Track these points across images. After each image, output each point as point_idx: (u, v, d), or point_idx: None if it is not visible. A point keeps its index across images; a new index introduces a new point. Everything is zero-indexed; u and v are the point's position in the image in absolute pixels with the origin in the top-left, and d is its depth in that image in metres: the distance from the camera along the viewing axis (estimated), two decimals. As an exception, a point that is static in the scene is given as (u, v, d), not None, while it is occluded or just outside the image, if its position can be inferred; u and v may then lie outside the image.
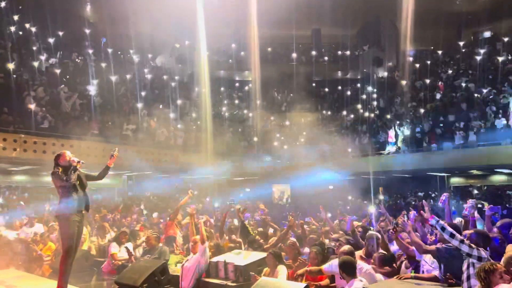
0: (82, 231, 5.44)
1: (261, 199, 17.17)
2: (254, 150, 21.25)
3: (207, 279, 5.52)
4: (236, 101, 26.46)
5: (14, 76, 16.40)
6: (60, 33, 21.13)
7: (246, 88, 27.77)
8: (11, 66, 15.70)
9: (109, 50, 22.70)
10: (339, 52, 29.98)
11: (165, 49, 27.79)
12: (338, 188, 19.50)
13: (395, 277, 4.50)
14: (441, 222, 4.05)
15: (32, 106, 14.64)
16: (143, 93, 20.49)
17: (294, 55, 28.51)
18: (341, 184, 19.40)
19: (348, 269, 4.13)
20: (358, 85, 26.28)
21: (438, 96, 20.52)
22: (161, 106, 20.76)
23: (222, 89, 26.68)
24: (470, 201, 5.35)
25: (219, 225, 8.11)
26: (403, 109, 20.96)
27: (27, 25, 19.79)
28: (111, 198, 17.90)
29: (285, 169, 20.32)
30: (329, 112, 25.58)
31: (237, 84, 29.11)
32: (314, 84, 29.09)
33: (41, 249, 8.12)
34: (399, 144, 18.52)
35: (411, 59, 24.61)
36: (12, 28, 18.56)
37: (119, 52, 24.62)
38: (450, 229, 3.91)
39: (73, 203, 5.17)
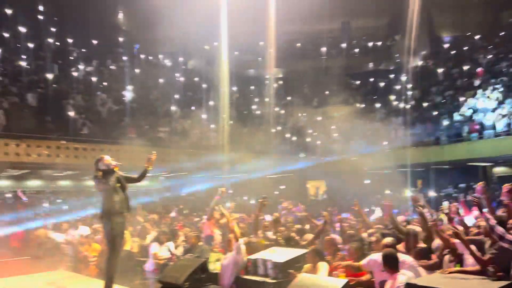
0: (124, 232, 5.65)
1: (296, 196, 17.12)
2: (288, 147, 21.19)
3: (246, 276, 5.56)
4: (267, 99, 26.45)
5: (54, 85, 17.22)
6: (95, 42, 21.91)
7: (276, 85, 27.70)
8: (50, 76, 16.48)
9: (142, 56, 23.33)
10: (370, 44, 29.37)
11: (195, 51, 28.18)
12: (375, 182, 19.14)
13: (438, 271, 4.38)
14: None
15: (72, 114, 15.31)
16: (176, 96, 20.89)
17: (324, 49, 28.19)
18: (378, 178, 19.02)
19: (391, 262, 4.05)
20: (392, 75, 25.64)
21: (476, 82, 19.71)
22: (193, 108, 21.10)
23: (252, 87, 26.77)
24: (506, 186, 5.11)
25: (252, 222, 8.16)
26: (440, 98, 20.28)
27: (64, 36, 20.67)
28: (149, 199, 18.39)
29: (319, 165, 20.13)
30: (362, 105, 25.05)
31: (267, 82, 29.09)
32: (346, 77, 28.64)
33: (86, 250, 8.47)
34: (438, 134, 17.96)
35: (446, 46, 23.78)
36: (51, 40, 19.44)
37: (150, 57, 25.24)
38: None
39: (115, 205, 5.37)
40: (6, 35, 18.90)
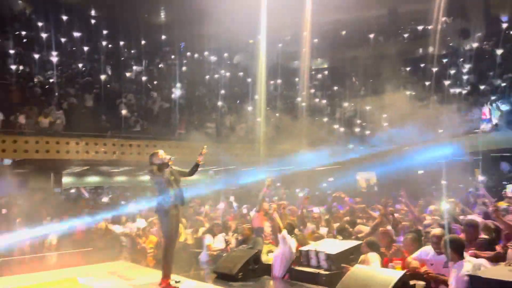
0: (179, 224, 5.86)
1: (345, 188, 16.83)
2: (336, 139, 20.86)
3: (298, 268, 5.58)
4: (312, 90, 26.13)
5: (108, 86, 18.08)
6: (143, 42, 22.70)
7: (320, 76, 27.31)
8: (104, 77, 17.33)
9: (188, 53, 23.88)
10: (420, 28, 28.07)
11: (239, 46, 28.36)
12: (429, 173, 18.38)
13: (503, 263, 4.15)
14: None
15: (125, 112, 16.01)
16: (222, 91, 21.19)
17: (371, 36, 27.35)
18: (433, 168, 18.25)
19: (458, 248, 3.95)
20: (444, 60, 24.40)
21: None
22: (239, 102, 21.31)
23: (296, 79, 26.54)
24: None
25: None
26: (498, 82, 19.04)
27: (115, 38, 21.60)
28: (200, 192, 18.85)
29: (370, 156, 19.64)
30: (413, 92, 24.05)
31: (312, 72, 28.71)
32: (395, 64, 27.59)
33: (144, 242, 8.87)
34: (496, 121, 16.89)
35: (504, 25, 22.23)
36: (103, 42, 20.41)
37: (196, 55, 25.75)
38: None
39: (169, 198, 5.57)
40: (63, 39, 20.04)
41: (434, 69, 23.77)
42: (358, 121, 22.47)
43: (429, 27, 27.13)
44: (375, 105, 23.65)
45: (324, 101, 24.90)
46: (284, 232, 5.88)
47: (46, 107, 13.86)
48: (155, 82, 20.16)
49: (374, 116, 22.67)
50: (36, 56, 17.27)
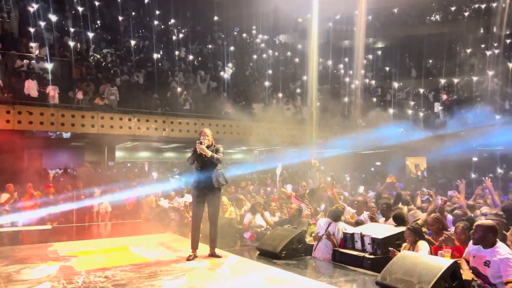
0: (222, 201, 6.02)
1: (392, 173, 16.35)
2: (386, 121, 20.20)
3: (343, 250, 5.55)
4: (362, 71, 25.32)
5: (159, 64, 18.55)
6: (194, 22, 22.95)
7: (371, 56, 26.35)
8: (156, 56, 17.77)
9: (236, 33, 23.87)
10: (482, 6, 26.14)
11: (289, 25, 27.94)
12: (484, 160, 17.46)
13: None
14: None
15: (175, 90, 16.41)
16: (269, 72, 21.08)
17: (427, 15, 25.91)
18: (488, 155, 17.31)
19: (494, 233, 3.87)
20: (509, 41, 22.68)
21: None
22: (287, 82, 21.11)
23: (346, 59, 25.83)
24: None
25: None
26: None
27: (167, 18, 22.00)
28: (244, 172, 19.13)
29: (421, 140, 18.88)
30: (472, 77, 22.59)
31: (364, 53, 27.73)
32: (452, 45, 26.04)
33: (190, 217, 9.16)
34: None
35: None
36: (155, 22, 20.87)
37: (244, 34, 25.68)
38: None
39: (214, 176, 5.70)
40: (119, 18, 20.68)
41: (496, 51, 22.22)
42: (411, 103, 21.57)
43: (493, 4, 25.21)
44: (428, 88, 22.61)
45: (375, 82, 24.07)
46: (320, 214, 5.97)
47: (101, 84, 14.45)
48: (204, 62, 20.40)
49: (428, 98, 21.71)
50: (92, 34, 17.96)
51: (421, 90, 22.62)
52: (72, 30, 17.55)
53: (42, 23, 16.56)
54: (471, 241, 4.19)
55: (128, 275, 4.82)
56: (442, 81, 22.58)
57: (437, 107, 20.95)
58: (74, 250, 6.42)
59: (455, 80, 22.24)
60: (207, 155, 5.60)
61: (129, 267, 5.23)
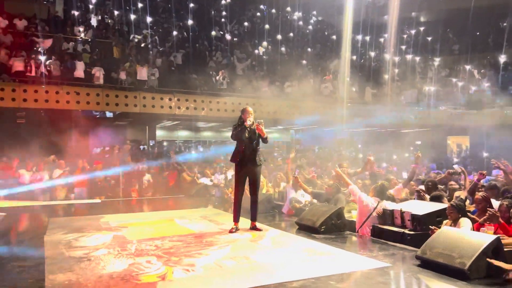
0: (260, 177, 6.21)
1: (433, 152, 16.00)
2: (427, 99, 19.61)
3: (382, 226, 5.61)
4: (403, 47, 24.49)
5: (196, 44, 18.78)
6: (229, 1, 22.88)
7: (413, 31, 25.37)
8: (193, 36, 17.95)
9: (273, 11, 23.62)
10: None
11: (325, 1, 27.27)
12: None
13: None
14: None
15: (213, 70, 16.62)
16: (306, 49, 20.85)
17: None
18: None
19: None
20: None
21: None
22: (323, 60, 20.81)
23: (385, 35, 25.02)
24: None
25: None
26: None
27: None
28: (281, 150, 19.30)
29: (463, 118, 18.25)
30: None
31: (403, 27, 26.76)
32: (496, 19, 24.57)
33: (230, 192, 9.46)
34: None
35: None
36: (191, 4, 21.05)
37: (279, 12, 25.36)
38: None
39: (254, 153, 5.88)
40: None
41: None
42: (453, 80, 20.76)
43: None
44: (472, 64, 21.61)
45: (416, 58, 23.24)
46: (353, 186, 6.08)
47: (142, 64, 14.88)
48: (241, 41, 20.44)
49: (471, 75, 20.80)
50: (134, 16, 18.39)
51: (467, 67, 21.66)
52: (115, 12, 18.01)
53: (85, 6, 17.12)
54: None
55: (175, 244, 5.14)
56: (489, 56, 21.51)
57: (483, 84, 20.06)
58: (124, 222, 6.86)
59: (503, 56, 21.12)
60: (263, 135, 5.85)
61: (176, 237, 5.56)
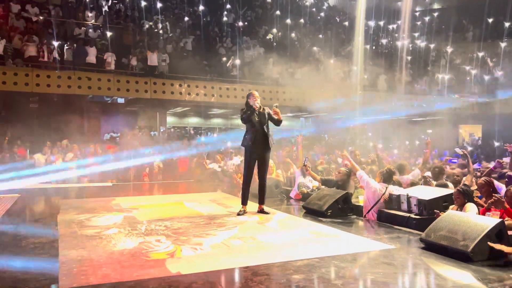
0: (269, 161, 6.27)
1: (445, 141, 15.87)
2: (439, 87, 19.37)
3: (388, 210, 5.65)
4: (416, 34, 24.14)
5: (208, 30, 18.74)
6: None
7: (427, 18, 24.96)
8: (204, 22, 17.84)
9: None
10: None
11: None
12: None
13: None
14: None
15: (223, 57, 16.62)
16: (318, 36, 20.68)
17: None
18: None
19: None
20: None
21: None
22: (335, 47, 20.64)
23: (399, 22, 24.66)
24: None
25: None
26: None
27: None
28: (290, 137, 19.31)
29: (476, 107, 18.02)
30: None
31: (417, 14, 26.37)
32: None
33: (239, 178, 9.57)
34: None
35: None
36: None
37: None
38: None
39: (262, 138, 5.93)
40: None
41: None
42: (466, 68, 20.45)
43: None
44: (486, 51, 21.23)
45: (428, 45, 22.91)
46: (361, 172, 6.14)
47: (153, 50, 14.95)
48: (251, 27, 20.33)
49: (484, 63, 20.45)
50: (144, 2, 18.38)
51: (480, 54, 21.31)
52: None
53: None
54: None
55: (184, 225, 5.26)
56: (503, 44, 21.10)
57: (497, 72, 19.74)
58: (135, 204, 7.01)
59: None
60: (280, 118, 5.98)
61: (185, 218, 5.68)
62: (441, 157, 12.13)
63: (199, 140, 16.52)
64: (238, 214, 5.90)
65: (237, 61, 16.23)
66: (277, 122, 6.02)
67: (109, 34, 14.93)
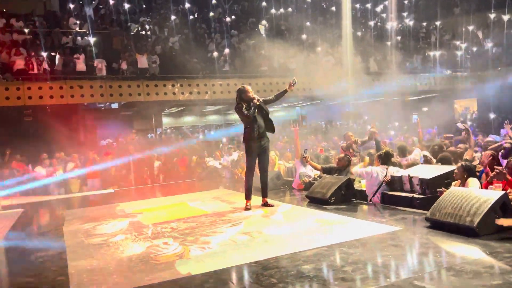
0: (268, 153, 6.27)
1: (440, 118, 15.88)
2: (432, 64, 19.34)
3: (391, 192, 5.68)
4: (405, 13, 24.01)
5: (196, 27, 18.62)
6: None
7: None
8: (191, 19, 17.71)
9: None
10: None
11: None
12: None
13: None
14: None
15: (213, 53, 16.52)
16: (306, 24, 20.55)
17: None
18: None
19: None
20: None
21: None
22: (324, 34, 20.54)
23: (386, 2, 24.52)
24: None
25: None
26: None
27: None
28: (287, 127, 19.29)
29: (470, 81, 18.01)
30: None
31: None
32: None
33: (240, 173, 9.59)
34: None
35: None
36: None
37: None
38: None
39: (254, 132, 5.92)
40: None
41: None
42: (458, 43, 20.39)
43: None
44: (478, 25, 21.17)
45: (419, 22, 22.81)
46: (355, 169, 6.33)
47: (142, 52, 14.85)
48: (239, 20, 20.20)
49: (477, 37, 20.41)
50: (128, 5, 18.22)
51: (470, 28, 21.26)
52: (110, 1, 17.84)
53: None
54: None
55: (190, 225, 5.27)
56: (492, 16, 21.04)
57: (487, 44, 19.73)
58: (138, 208, 7.01)
59: (507, 16, 20.67)
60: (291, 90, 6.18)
61: (190, 218, 5.69)
62: (440, 135, 12.16)
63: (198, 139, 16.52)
64: (247, 209, 5.90)
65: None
66: (280, 96, 6.18)
67: (97, 40, 14.82)
